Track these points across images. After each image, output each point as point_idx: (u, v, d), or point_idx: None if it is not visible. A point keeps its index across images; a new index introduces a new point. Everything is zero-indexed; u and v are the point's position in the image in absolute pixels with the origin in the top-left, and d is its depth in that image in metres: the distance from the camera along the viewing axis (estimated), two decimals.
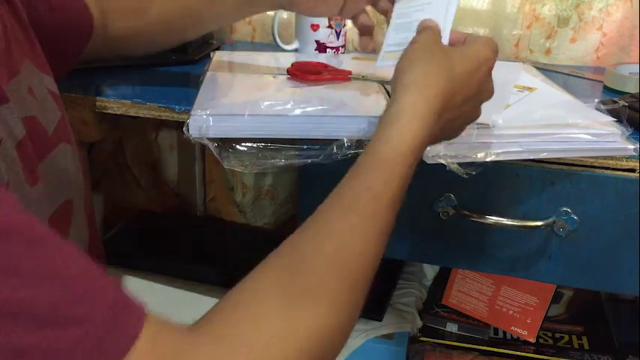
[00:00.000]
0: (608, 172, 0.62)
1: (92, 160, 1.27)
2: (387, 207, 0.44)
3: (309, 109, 0.72)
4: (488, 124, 0.62)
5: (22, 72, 0.49)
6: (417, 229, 0.69)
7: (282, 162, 0.63)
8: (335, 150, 0.62)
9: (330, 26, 0.97)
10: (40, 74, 0.53)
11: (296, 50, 1.00)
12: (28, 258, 0.30)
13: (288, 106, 0.72)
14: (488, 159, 0.60)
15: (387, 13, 0.67)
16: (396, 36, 0.62)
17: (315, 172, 0.64)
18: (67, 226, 0.51)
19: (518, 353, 0.95)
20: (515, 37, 1.03)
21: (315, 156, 0.63)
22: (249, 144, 0.64)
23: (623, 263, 0.65)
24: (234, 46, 1.09)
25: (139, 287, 1.09)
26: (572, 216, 0.64)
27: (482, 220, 0.65)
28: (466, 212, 0.66)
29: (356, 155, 0.61)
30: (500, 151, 0.61)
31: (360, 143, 0.62)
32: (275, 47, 1.00)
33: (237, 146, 0.64)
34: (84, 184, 0.55)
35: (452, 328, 0.99)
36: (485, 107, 0.57)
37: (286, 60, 0.86)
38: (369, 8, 0.74)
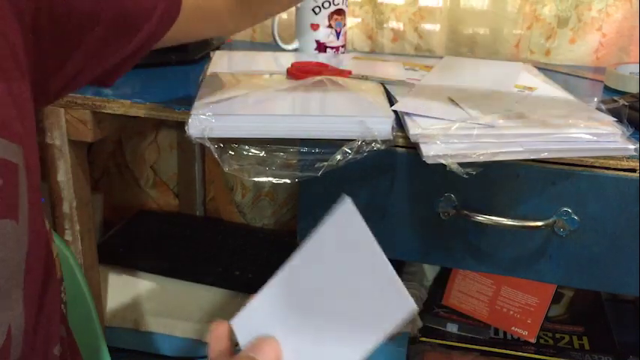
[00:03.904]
0: (609, 172, 0.62)
1: (92, 160, 1.27)
2: None
3: (308, 108, 0.72)
4: (488, 124, 0.62)
5: None
6: (417, 229, 0.69)
7: (282, 172, 0.63)
8: (334, 162, 0.61)
9: (330, 26, 0.97)
10: None
11: (296, 50, 1.00)
12: None
13: (288, 105, 0.72)
14: (488, 159, 0.60)
15: None
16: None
17: (313, 175, 0.64)
18: None
19: (519, 354, 0.95)
20: (515, 38, 1.03)
21: (313, 164, 0.63)
22: (251, 148, 0.64)
23: (624, 263, 0.65)
24: (234, 46, 1.09)
25: (138, 287, 1.09)
26: (573, 216, 0.64)
27: (482, 220, 0.65)
28: (466, 212, 0.66)
29: (355, 161, 0.62)
30: (500, 151, 0.60)
31: (359, 148, 0.62)
32: (275, 47, 1.00)
33: (237, 147, 0.63)
34: (27, 261, 0.45)
35: (452, 328, 0.99)
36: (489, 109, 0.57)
37: (286, 60, 0.86)
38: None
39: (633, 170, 0.62)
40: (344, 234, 0.34)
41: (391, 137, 0.64)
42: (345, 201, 0.33)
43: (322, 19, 0.97)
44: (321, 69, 0.80)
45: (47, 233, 0.50)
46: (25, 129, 0.45)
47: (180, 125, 0.65)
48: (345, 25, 0.99)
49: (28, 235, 0.45)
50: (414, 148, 0.63)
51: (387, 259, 0.32)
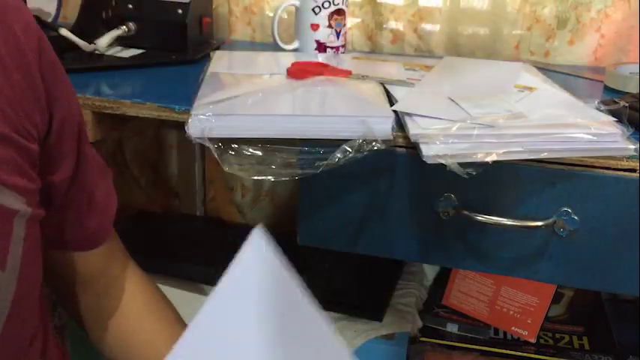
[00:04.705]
0: (609, 172, 0.62)
1: None
2: None
3: (309, 108, 0.72)
4: (488, 124, 0.62)
5: None
6: (417, 229, 0.69)
7: (283, 170, 0.63)
8: (334, 160, 0.62)
9: (330, 26, 0.97)
10: None
11: (296, 50, 1.00)
12: None
13: (288, 105, 0.72)
14: (488, 159, 0.60)
15: None
16: None
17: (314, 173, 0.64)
18: None
19: (519, 353, 0.95)
20: (515, 39, 1.03)
21: (313, 163, 0.63)
22: (251, 148, 0.64)
23: (624, 263, 0.65)
24: (233, 46, 1.09)
25: None
26: (573, 216, 0.64)
27: (482, 220, 0.65)
28: (466, 212, 0.66)
29: (355, 159, 0.62)
30: (500, 151, 0.60)
31: (360, 147, 0.62)
32: (275, 47, 1.00)
33: (237, 147, 0.64)
34: (11, 309, 0.44)
35: (452, 328, 0.99)
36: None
37: (286, 60, 0.86)
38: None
39: (633, 170, 0.62)
40: (258, 274, 0.28)
41: (391, 137, 0.64)
42: (255, 233, 0.28)
43: (322, 19, 0.97)
44: (321, 69, 0.80)
45: (41, 283, 0.50)
46: (29, 183, 0.44)
47: (180, 125, 0.65)
48: (345, 25, 0.99)
49: (16, 283, 0.43)
50: (414, 148, 0.63)
51: (311, 305, 0.26)
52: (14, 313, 0.44)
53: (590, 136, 0.61)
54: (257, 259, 0.28)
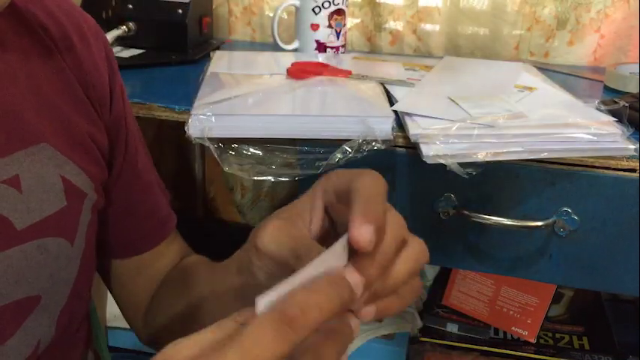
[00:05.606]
0: (609, 172, 0.62)
1: None
2: None
3: (309, 108, 0.72)
4: (488, 124, 0.62)
5: (21, 157, 0.42)
6: (417, 229, 0.69)
7: (282, 171, 0.63)
8: (334, 160, 0.62)
9: (330, 26, 0.97)
10: (61, 159, 0.45)
11: (296, 50, 1.00)
12: None
13: (288, 105, 0.72)
14: (488, 159, 0.60)
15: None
16: None
17: (314, 173, 0.64)
18: (21, 321, 0.42)
19: (519, 354, 0.95)
20: (515, 39, 1.03)
21: (313, 163, 0.63)
22: (251, 148, 0.64)
23: (624, 263, 0.65)
24: (233, 46, 1.09)
25: None
26: (573, 216, 0.64)
27: (482, 220, 0.65)
28: (466, 212, 0.66)
29: (355, 159, 0.62)
30: (500, 151, 0.60)
31: (360, 147, 0.62)
32: (275, 47, 1.00)
33: (237, 147, 0.64)
34: (74, 284, 0.46)
35: (452, 328, 0.99)
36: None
37: (286, 60, 0.86)
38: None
39: (633, 170, 0.62)
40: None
41: (391, 137, 0.64)
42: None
43: (322, 19, 0.97)
44: (321, 69, 0.80)
45: (92, 279, 0.52)
46: (99, 172, 0.49)
47: (180, 125, 0.65)
48: (345, 25, 0.99)
49: (80, 260, 0.47)
50: (414, 148, 0.63)
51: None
52: (75, 289, 0.46)
53: (590, 136, 0.61)
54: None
